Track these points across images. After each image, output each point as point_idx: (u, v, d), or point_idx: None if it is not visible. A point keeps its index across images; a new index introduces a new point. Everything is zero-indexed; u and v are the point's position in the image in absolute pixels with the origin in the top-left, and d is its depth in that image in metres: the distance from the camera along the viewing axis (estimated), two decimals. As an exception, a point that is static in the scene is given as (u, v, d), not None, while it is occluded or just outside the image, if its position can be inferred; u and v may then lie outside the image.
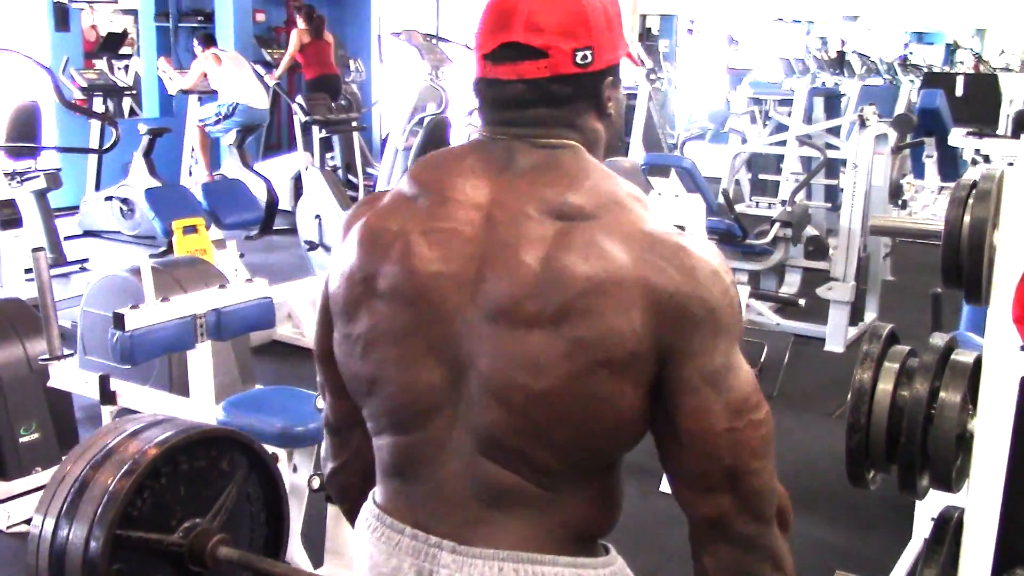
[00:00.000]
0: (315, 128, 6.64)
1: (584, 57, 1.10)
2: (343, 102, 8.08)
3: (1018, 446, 1.65)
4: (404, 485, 1.18)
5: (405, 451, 1.17)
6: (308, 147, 7.30)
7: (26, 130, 5.91)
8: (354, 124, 7.20)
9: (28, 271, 4.31)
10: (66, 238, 6.54)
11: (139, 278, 2.81)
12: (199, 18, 9.20)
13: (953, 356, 1.84)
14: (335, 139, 8.00)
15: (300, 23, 8.58)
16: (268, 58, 8.71)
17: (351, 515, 1.32)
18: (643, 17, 13.58)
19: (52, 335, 2.76)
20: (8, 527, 2.93)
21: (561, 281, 1.04)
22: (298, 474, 2.47)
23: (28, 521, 2.17)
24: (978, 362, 1.78)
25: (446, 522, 1.15)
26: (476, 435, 1.11)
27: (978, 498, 1.71)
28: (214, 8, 8.93)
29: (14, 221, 4.49)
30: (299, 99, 7.05)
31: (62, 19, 8.32)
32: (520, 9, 1.09)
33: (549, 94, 1.11)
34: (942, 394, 1.79)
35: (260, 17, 9.79)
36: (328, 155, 7.76)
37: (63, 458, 1.87)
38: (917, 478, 1.80)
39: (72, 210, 7.28)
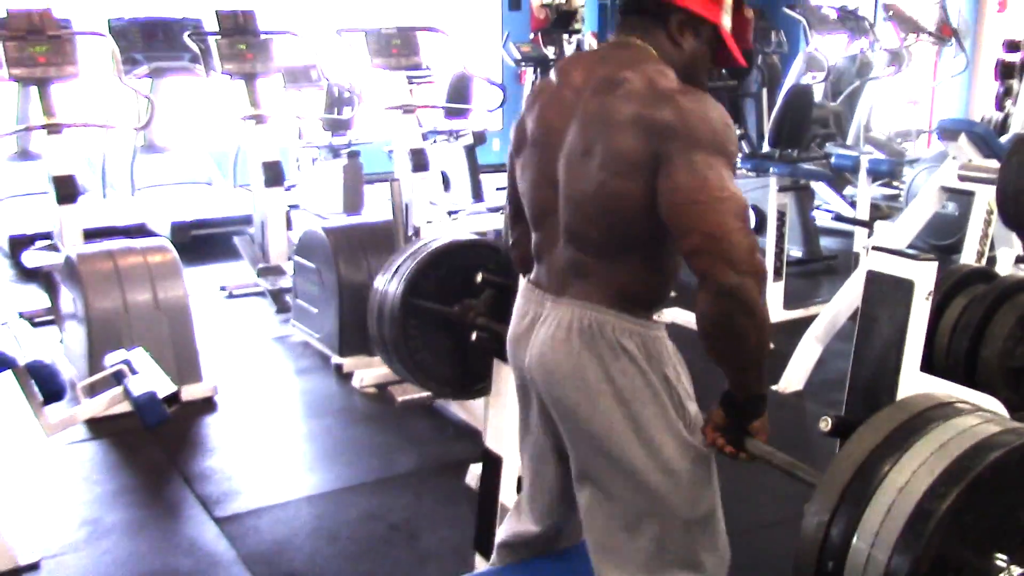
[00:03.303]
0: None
1: None
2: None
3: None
4: (538, 265, 2.00)
5: (538, 242, 1.98)
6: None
7: (460, 95, 7.74)
8: (730, 92, 8.07)
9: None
10: (498, 188, 8.33)
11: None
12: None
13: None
14: (751, 105, 8.99)
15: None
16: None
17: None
18: None
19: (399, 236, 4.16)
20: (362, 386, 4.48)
21: (597, 129, 1.79)
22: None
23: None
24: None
25: (552, 284, 1.94)
26: (565, 228, 1.88)
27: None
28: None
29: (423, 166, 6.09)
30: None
31: (515, 0, 10.26)
32: None
33: (639, 4, 1.86)
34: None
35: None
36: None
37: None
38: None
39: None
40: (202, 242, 6.91)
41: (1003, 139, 5.06)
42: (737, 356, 1.76)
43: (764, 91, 8.71)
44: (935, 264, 2.15)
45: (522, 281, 2.07)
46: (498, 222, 4.11)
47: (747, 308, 1.68)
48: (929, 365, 2.36)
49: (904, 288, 2.05)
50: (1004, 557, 1.48)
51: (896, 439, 1.56)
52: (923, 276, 2.10)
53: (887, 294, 2.06)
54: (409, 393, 4.28)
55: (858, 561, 1.50)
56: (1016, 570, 1.47)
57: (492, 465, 2.67)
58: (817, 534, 1.54)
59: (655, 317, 1.92)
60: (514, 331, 2.03)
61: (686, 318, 4.36)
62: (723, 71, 8.18)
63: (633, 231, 1.81)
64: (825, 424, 1.78)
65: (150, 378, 3.04)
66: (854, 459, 1.55)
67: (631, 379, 1.84)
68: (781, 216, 5.46)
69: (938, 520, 1.44)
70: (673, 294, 2.00)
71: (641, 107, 1.75)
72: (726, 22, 1.87)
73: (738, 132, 8.74)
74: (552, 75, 1.96)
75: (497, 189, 8.37)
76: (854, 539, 1.51)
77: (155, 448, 3.93)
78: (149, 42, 7.46)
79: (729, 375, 1.82)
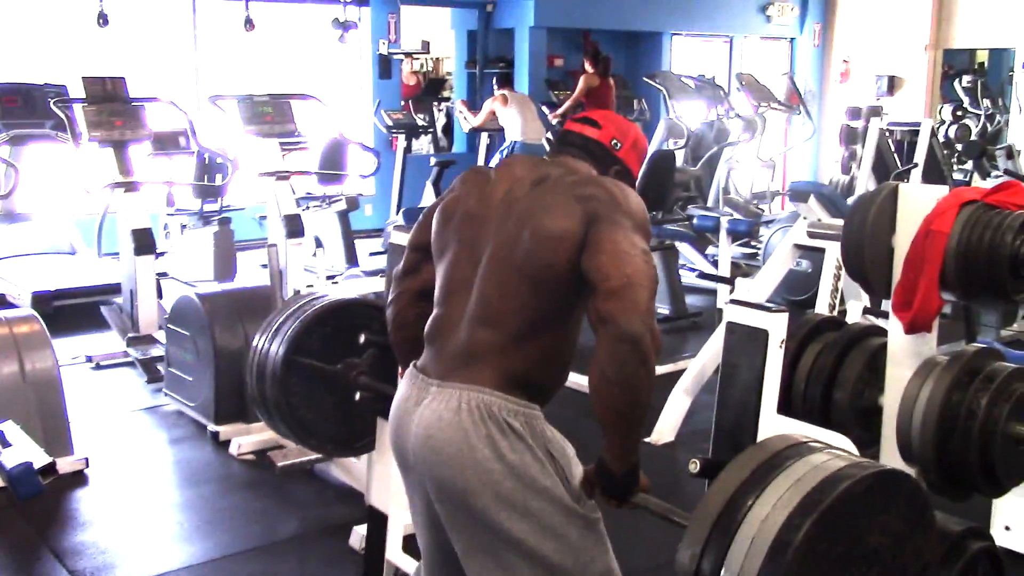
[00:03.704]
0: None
1: (615, 144, 2.17)
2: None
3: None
4: (429, 348, 2.05)
5: (439, 319, 2.03)
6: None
7: (333, 161, 7.82)
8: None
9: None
10: (371, 253, 8.40)
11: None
12: (501, 64, 10.97)
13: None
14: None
15: (587, 67, 10.02)
16: (554, 99, 10.23)
17: (396, 346, 2.25)
18: (973, 52, 13.59)
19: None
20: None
21: (534, 208, 1.97)
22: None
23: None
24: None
25: (439, 370, 2.00)
26: (477, 303, 1.96)
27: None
28: (515, 55, 10.68)
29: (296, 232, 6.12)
30: (547, 134, 8.43)
31: (385, 69, 10.44)
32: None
33: (588, 146, 2.15)
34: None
35: (558, 62, 11.42)
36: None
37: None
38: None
39: (380, 231, 9.17)
40: (65, 312, 6.70)
41: (849, 200, 5.43)
42: (627, 410, 1.86)
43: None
44: (786, 315, 2.34)
45: (408, 369, 2.11)
46: (377, 285, 4.17)
47: (644, 358, 1.83)
48: (789, 408, 2.54)
49: (760, 337, 2.22)
50: (856, 579, 1.63)
51: (757, 476, 1.70)
52: (776, 326, 2.28)
53: (745, 343, 2.23)
54: (290, 458, 4.27)
55: (726, 591, 1.63)
56: (868, 591, 1.62)
57: (377, 522, 2.72)
58: (691, 566, 1.66)
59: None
60: (395, 415, 2.07)
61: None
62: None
63: (547, 308, 1.96)
64: (694, 466, 1.92)
65: (24, 450, 2.97)
66: (722, 495, 1.69)
67: (520, 455, 1.92)
68: (648, 275, 5.68)
69: (795, 549, 1.58)
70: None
71: (573, 186, 1.99)
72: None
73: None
74: (492, 171, 2.13)
75: (371, 254, 8.44)
76: (722, 571, 1.64)
77: (22, 524, 3.81)
78: (9, 109, 7.29)
79: (611, 437, 1.90)
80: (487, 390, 1.94)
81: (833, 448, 1.77)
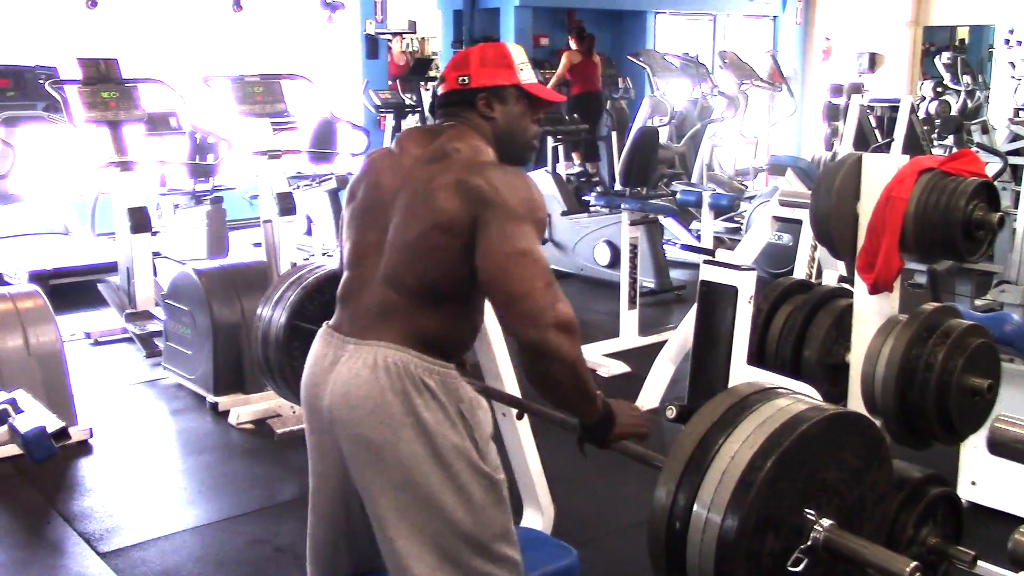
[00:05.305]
0: (549, 137, 8.13)
1: (462, 80, 2.12)
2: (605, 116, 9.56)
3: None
4: (341, 308, 2.12)
5: (349, 282, 2.11)
6: (567, 156, 8.84)
7: (324, 140, 7.94)
8: (582, 134, 8.64)
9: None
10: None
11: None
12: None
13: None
14: (603, 147, 9.55)
15: (572, 44, 10.15)
16: (540, 78, 10.34)
17: None
18: (953, 29, 13.77)
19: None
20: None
21: (425, 190, 2.00)
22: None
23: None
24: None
25: (354, 328, 2.06)
26: (384, 269, 2.04)
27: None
28: (500, 34, 10.79)
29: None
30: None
31: (373, 49, 10.55)
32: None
33: (447, 100, 2.15)
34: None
35: (544, 41, 11.55)
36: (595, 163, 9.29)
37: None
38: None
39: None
40: (62, 291, 6.84)
41: (827, 174, 5.60)
42: (561, 399, 1.98)
43: (614, 134, 9.25)
44: (755, 273, 2.51)
45: (321, 329, 2.18)
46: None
47: (554, 357, 1.87)
48: (762, 365, 2.71)
49: (730, 294, 2.38)
50: (812, 512, 1.79)
51: (727, 418, 1.86)
52: (745, 283, 2.44)
53: (717, 299, 2.39)
54: (288, 426, 4.43)
55: (698, 522, 1.79)
56: (825, 521, 1.79)
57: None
58: (667, 500, 1.83)
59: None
60: (311, 374, 2.13)
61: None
62: (575, 115, 8.66)
63: (445, 282, 2.01)
64: (671, 412, 2.09)
65: (36, 415, 3.12)
66: (695, 435, 1.85)
67: (433, 412, 1.98)
68: (633, 249, 5.85)
69: (757, 487, 1.74)
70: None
71: (461, 174, 1.99)
72: (525, 77, 2.13)
73: (580, 170, 9.31)
74: (392, 145, 2.19)
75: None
76: (695, 504, 1.81)
77: (31, 491, 3.96)
78: (1, 90, 7.39)
79: (565, 408, 2.05)
80: (403, 348, 2.00)
81: (797, 393, 1.94)
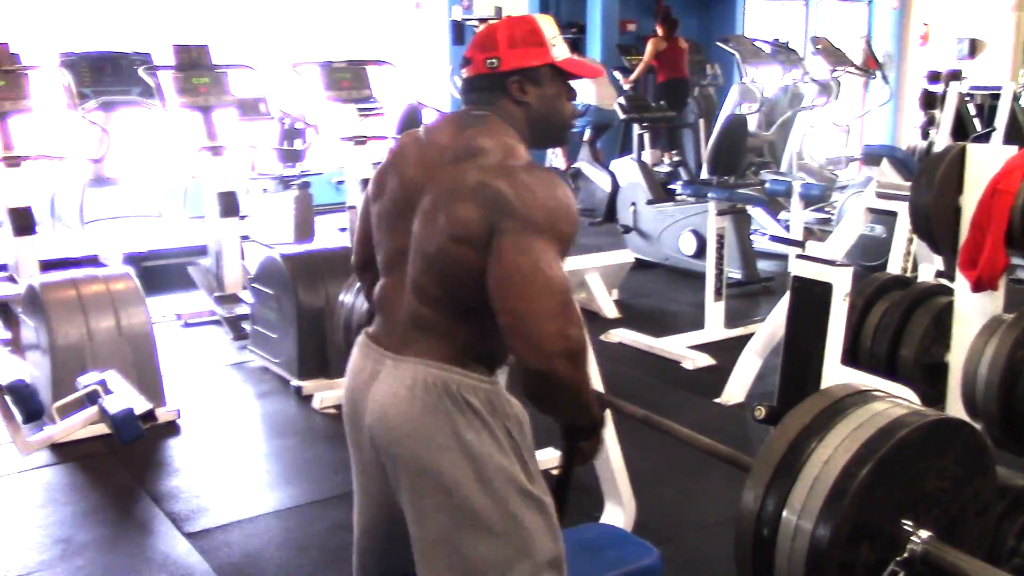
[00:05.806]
0: (635, 124, 8.01)
1: (491, 63, 1.93)
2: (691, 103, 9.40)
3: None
4: (380, 316, 2.01)
5: (385, 289, 1.98)
6: (654, 144, 8.71)
7: (411, 126, 7.96)
8: (668, 122, 8.48)
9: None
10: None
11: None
12: (574, 29, 10.98)
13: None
14: (689, 136, 9.40)
15: (658, 31, 10.00)
16: (626, 64, 10.24)
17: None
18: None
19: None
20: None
21: (446, 195, 1.83)
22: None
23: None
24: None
25: (392, 341, 1.93)
26: (412, 280, 1.90)
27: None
28: (587, 20, 10.70)
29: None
30: (619, 99, 8.46)
31: (459, 35, 10.54)
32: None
33: (475, 85, 1.96)
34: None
35: (631, 27, 11.40)
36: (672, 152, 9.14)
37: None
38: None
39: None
40: (154, 273, 7.00)
41: (924, 164, 5.40)
42: (557, 417, 1.94)
43: (701, 122, 9.10)
44: (851, 269, 2.41)
45: (359, 339, 2.06)
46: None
47: (555, 387, 1.76)
48: (856, 364, 2.62)
49: (824, 290, 2.30)
50: (910, 523, 1.71)
51: (820, 421, 1.78)
52: (840, 279, 2.35)
53: (810, 296, 2.31)
54: (369, 412, 4.44)
55: (788, 529, 1.73)
56: (923, 533, 1.70)
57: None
58: (755, 505, 1.76)
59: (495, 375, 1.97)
60: (350, 387, 2.03)
61: (632, 338, 4.65)
62: (660, 102, 8.53)
63: (469, 294, 1.83)
64: (760, 412, 2.02)
65: (126, 396, 3.18)
66: (785, 439, 1.78)
67: (477, 433, 1.86)
68: (720, 239, 5.74)
69: (852, 495, 1.67)
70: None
71: (484, 177, 1.81)
72: (558, 53, 1.94)
73: (676, 159, 9.16)
74: (420, 132, 2.01)
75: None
76: (784, 511, 1.74)
77: (121, 470, 4.05)
78: (98, 76, 7.56)
79: (561, 419, 2.00)
80: (443, 365, 1.87)
81: (893, 396, 1.85)
